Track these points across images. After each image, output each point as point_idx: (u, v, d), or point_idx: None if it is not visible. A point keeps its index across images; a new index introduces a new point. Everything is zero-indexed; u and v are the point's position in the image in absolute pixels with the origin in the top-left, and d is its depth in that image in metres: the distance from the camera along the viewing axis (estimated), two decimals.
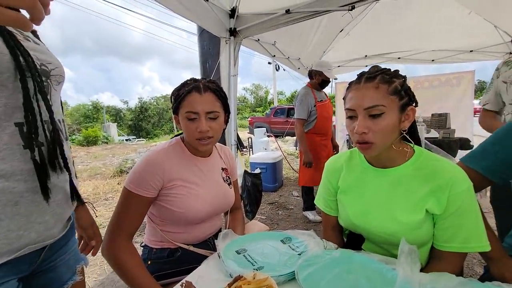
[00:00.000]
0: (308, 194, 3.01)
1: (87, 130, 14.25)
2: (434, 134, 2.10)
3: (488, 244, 0.74)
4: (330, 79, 2.76)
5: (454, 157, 1.77)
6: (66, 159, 0.59)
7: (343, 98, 0.87)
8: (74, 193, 0.63)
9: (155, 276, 0.91)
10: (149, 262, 0.98)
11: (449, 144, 1.77)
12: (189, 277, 0.70)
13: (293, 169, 5.41)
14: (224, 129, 1.01)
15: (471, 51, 3.82)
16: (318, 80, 2.75)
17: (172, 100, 0.95)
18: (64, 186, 0.60)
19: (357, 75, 0.84)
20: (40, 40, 0.65)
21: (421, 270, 0.80)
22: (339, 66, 4.60)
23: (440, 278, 0.66)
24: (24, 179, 0.52)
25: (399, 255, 0.68)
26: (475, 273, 1.98)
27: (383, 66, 0.83)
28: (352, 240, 0.97)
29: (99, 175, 5.84)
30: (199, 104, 0.89)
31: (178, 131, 1.05)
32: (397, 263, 0.67)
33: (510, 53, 3.57)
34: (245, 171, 2.63)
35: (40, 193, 0.54)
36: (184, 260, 0.97)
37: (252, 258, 0.79)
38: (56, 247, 0.66)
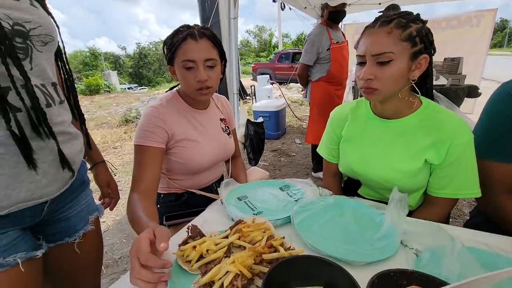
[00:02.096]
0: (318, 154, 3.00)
1: (87, 78, 13.95)
2: (442, 81, 2.02)
3: (479, 191, 0.79)
4: (343, 8, 2.35)
5: (459, 106, 1.73)
6: (50, 128, 0.57)
7: (356, 42, 0.84)
8: (65, 162, 0.62)
9: (165, 217, 1.01)
10: (158, 206, 1.06)
11: (456, 92, 1.71)
12: (194, 221, 0.77)
13: (296, 117, 5.40)
14: (221, 79, 0.99)
15: None
16: (326, 14, 2.40)
17: (165, 50, 0.90)
18: (54, 148, 0.60)
19: (375, 18, 0.80)
20: None
21: (411, 212, 0.87)
22: (349, 5, 4.19)
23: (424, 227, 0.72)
24: (3, 143, 0.51)
25: (389, 202, 0.73)
26: (463, 214, 2.12)
27: (400, 4, 0.77)
28: (349, 185, 1.04)
29: (105, 124, 5.93)
30: (196, 52, 0.85)
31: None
32: (387, 209, 0.72)
33: None
34: (248, 120, 2.64)
35: None
36: (190, 204, 1.06)
37: (252, 204, 0.85)
38: (64, 200, 0.71)
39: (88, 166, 0.92)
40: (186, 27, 0.90)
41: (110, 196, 1.01)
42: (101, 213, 0.86)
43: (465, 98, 1.86)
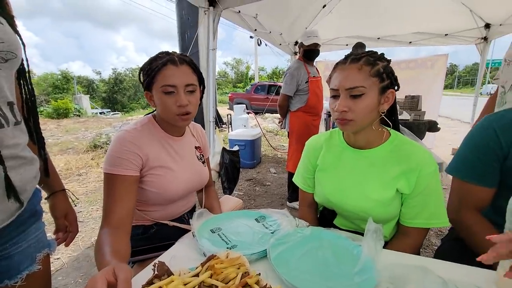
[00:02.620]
0: (294, 183, 3.02)
1: (56, 101, 13.29)
2: (405, 116, 2.19)
3: (447, 220, 0.83)
4: (316, 48, 2.52)
5: (422, 139, 1.87)
6: None
7: (329, 77, 0.89)
8: (11, 190, 0.55)
9: (131, 253, 0.91)
10: None
11: (418, 126, 1.87)
12: (162, 257, 0.70)
13: (271, 146, 5.47)
14: (199, 105, 0.98)
15: (446, 34, 3.91)
16: (302, 52, 2.57)
17: (142, 75, 0.89)
18: (0, 174, 0.53)
19: (345, 55, 0.86)
20: None
21: (387, 243, 0.87)
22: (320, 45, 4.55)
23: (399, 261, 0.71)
24: None
25: (365, 233, 0.72)
26: (432, 243, 2.19)
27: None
28: (324, 215, 1.03)
29: (71, 149, 5.56)
30: (176, 77, 0.84)
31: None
32: (363, 240, 0.72)
33: (482, 38, 3.70)
34: (223, 148, 2.62)
35: None
36: (159, 236, 0.98)
37: (226, 237, 0.80)
38: (7, 235, 0.61)
39: (45, 194, 0.82)
40: (165, 53, 0.89)
41: (67, 229, 0.88)
42: (52, 250, 0.74)
43: (426, 132, 2.02)
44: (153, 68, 0.85)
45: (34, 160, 0.64)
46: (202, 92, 0.99)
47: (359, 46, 2.90)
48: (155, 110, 0.96)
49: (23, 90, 0.65)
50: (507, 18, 3.24)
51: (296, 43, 4.29)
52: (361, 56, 0.80)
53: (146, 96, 0.92)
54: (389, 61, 0.83)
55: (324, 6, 3.65)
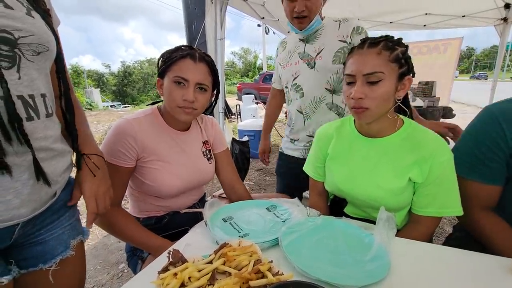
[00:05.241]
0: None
1: None
2: (419, 102, 2.13)
3: (461, 209, 0.79)
4: None
5: None
6: (26, 136, 0.53)
7: (343, 64, 0.87)
8: (40, 174, 0.57)
9: None
10: None
11: (432, 113, 1.81)
12: (176, 245, 0.72)
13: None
14: (211, 107, 1.00)
15: (463, 16, 3.72)
16: None
17: (160, 62, 0.89)
18: (31, 165, 0.55)
19: (361, 40, 0.83)
20: (23, 3, 0.55)
21: (398, 231, 0.86)
22: None
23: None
24: None
25: (377, 222, 0.72)
26: (445, 231, 2.16)
27: (375, 31, 0.83)
28: (335, 203, 1.03)
29: None
30: (191, 72, 0.85)
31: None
32: (375, 229, 0.71)
33: (502, 19, 3.51)
34: (233, 139, 2.63)
35: None
36: (172, 226, 1.00)
37: (238, 225, 0.81)
38: (42, 222, 0.65)
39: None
40: (189, 47, 0.90)
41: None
42: (86, 237, 0.77)
43: (441, 119, 1.96)
44: (172, 57, 0.85)
45: (67, 152, 0.66)
46: (216, 96, 0.99)
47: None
48: (161, 101, 0.97)
49: (60, 83, 0.66)
50: None
51: None
52: (379, 41, 0.78)
53: (158, 82, 0.92)
54: (407, 46, 0.80)
55: None
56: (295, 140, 1.43)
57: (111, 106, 20.58)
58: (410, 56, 0.80)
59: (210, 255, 0.64)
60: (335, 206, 1.03)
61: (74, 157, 0.70)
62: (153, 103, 1.01)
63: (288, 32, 4.24)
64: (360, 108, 0.79)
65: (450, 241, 0.98)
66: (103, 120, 8.78)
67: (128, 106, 20.66)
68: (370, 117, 0.80)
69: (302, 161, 1.34)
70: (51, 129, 0.61)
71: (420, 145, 0.81)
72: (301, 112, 1.34)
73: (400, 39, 0.80)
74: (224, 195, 1.20)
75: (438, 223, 0.86)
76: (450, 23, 3.90)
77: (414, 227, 0.86)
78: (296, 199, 0.94)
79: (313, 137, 1.30)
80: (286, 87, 1.40)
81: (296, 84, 1.33)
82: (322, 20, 1.27)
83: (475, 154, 0.83)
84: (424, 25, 4.07)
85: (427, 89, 2.37)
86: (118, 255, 1.96)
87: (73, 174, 0.73)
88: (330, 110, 1.30)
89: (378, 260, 0.63)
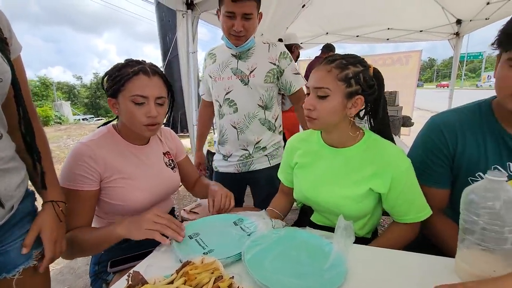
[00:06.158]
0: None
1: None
2: None
3: (430, 210, 0.87)
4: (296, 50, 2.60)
5: (397, 134, 1.94)
6: None
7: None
8: None
9: (111, 262, 0.91)
10: (102, 252, 0.97)
11: (393, 123, 1.94)
12: (138, 266, 0.71)
13: None
14: (168, 115, 0.99)
15: (421, 31, 4.05)
16: None
17: (109, 81, 0.87)
18: None
19: (325, 56, 0.89)
20: None
21: (372, 239, 0.90)
22: (301, 43, 4.61)
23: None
24: None
25: (335, 230, 0.76)
26: None
27: (340, 44, 0.90)
28: (304, 211, 1.08)
29: (53, 159, 5.40)
30: (149, 88, 0.85)
31: None
32: (334, 237, 0.75)
33: (454, 33, 3.85)
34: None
35: None
36: (139, 244, 0.97)
37: (204, 242, 0.81)
38: (4, 235, 0.67)
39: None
40: (136, 62, 0.89)
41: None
42: None
43: (401, 127, 2.10)
44: (124, 75, 0.84)
45: (21, 168, 0.68)
46: (172, 103, 1.00)
47: (327, 47, 3.03)
48: (115, 119, 0.96)
49: (19, 108, 0.67)
50: (476, 14, 3.38)
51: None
52: (335, 59, 0.83)
53: (109, 102, 0.89)
54: (368, 67, 0.84)
55: (303, 6, 3.70)
56: (227, 157, 1.46)
57: (83, 119, 19.74)
58: (367, 77, 0.82)
59: (172, 275, 0.63)
60: (304, 214, 1.07)
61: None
62: (104, 124, 0.99)
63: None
64: (309, 117, 0.86)
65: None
66: (73, 134, 8.38)
67: (101, 119, 19.90)
68: (318, 127, 0.88)
69: (236, 175, 1.44)
70: (3, 151, 0.62)
71: (378, 157, 0.86)
72: (234, 127, 1.38)
73: (361, 59, 0.84)
74: (194, 210, 1.20)
75: (419, 225, 0.90)
76: (410, 37, 4.22)
77: (399, 232, 0.90)
78: (263, 211, 0.96)
79: (247, 150, 1.40)
80: (217, 101, 1.41)
81: (229, 99, 1.36)
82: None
83: (424, 161, 0.90)
84: (387, 39, 4.37)
85: (390, 98, 2.53)
86: (85, 279, 1.86)
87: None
88: (263, 125, 1.38)
89: (336, 268, 0.66)
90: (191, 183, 1.21)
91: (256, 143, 1.39)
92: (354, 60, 0.84)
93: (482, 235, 0.59)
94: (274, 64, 1.33)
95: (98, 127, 0.97)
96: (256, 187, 1.53)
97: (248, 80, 1.31)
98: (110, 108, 0.90)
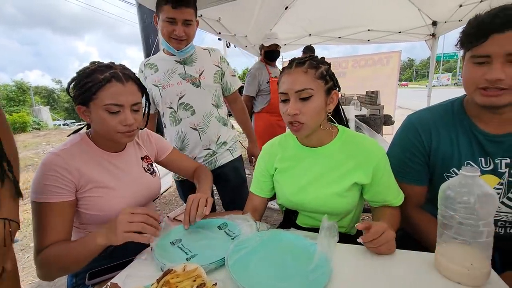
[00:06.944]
0: None
1: (11, 115, 12.25)
2: (364, 111, 2.31)
3: (402, 195, 0.91)
4: (276, 49, 2.61)
5: (378, 132, 2.00)
6: None
7: (277, 83, 0.91)
8: None
9: (90, 274, 0.87)
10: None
11: (375, 121, 1.99)
12: (117, 277, 0.68)
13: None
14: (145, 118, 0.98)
15: (399, 32, 4.17)
16: (263, 54, 2.65)
17: (77, 88, 0.81)
18: None
19: (289, 61, 0.89)
20: None
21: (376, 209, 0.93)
22: (285, 45, 4.65)
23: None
24: None
25: (320, 231, 0.76)
26: None
27: (324, 45, 0.91)
28: (288, 215, 1.06)
29: (30, 166, 5.19)
30: (123, 96, 0.81)
31: None
32: (318, 238, 0.75)
33: (431, 35, 3.99)
34: None
35: None
36: (118, 254, 0.94)
37: (187, 247, 0.79)
38: None
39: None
40: (105, 66, 0.83)
41: None
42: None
43: (383, 125, 2.15)
44: (95, 83, 0.79)
45: None
46: (147, 107, 0.98)
47: (309, 49, 3.07)
48: (86, 125, 0.92)
49: None
50: (450, 16, 3.52)
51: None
52: (305, 60, 0.84)
53: (79, 110, 0.84)
54: (329, 64, 0.89)
55: (286, 8, 3.73)
56: None
57: (63, 124, 19.04)
58: (333, 73, 0.88)
59: (152, 285, 0.61)
60: (288, 218, 1.06)
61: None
62: (75, 132, 0.95)
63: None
64: (296, 123, 0.84)
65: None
66: (53, 140, 8.08)
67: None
68: (306, 131, 0.86)
69: None
70: None
71: (357, 150, 0.89)
72: (195, 129, 1.41)
73: (322, 58, 0.88)
74: (178, 218, 1.17)
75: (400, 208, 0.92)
76: (390, 38, 4.33)
77: (385, 210, 0.91)
78: (248, 215, 0.95)
79: (210, 149, 1.44)
80: (171, 107, 1.39)
81: (184, 103, 1.38)
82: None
83: (402, 159, 0.93)
84: (368, 40, 4.47)
85: (372, 98, 2.59)
86: None
87: None
88: (219, 122, 1.48)
89: (320, 268, 0.66)
90: (190, 174, 1.19)
91: (217, 140, 1.47)
92: (319, 59, 0.88)
93: (459, 230, 0.60)
94: (218, 66, 1.45)
95: (69, 135, 0.92)
96: (223, 183, 1.57)
97: (200, 82, 1.38)
98: (80, 116, 0.85)
